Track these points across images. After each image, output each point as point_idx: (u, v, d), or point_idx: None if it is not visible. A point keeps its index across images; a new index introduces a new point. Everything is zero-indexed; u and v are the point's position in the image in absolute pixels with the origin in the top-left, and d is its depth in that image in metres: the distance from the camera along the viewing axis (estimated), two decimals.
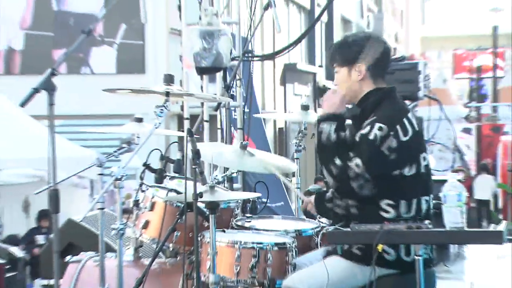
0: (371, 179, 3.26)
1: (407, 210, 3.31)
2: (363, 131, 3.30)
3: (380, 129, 3.27)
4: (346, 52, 3.44)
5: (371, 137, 3.27)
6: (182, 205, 3.66)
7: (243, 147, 4.00)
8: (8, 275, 7.12)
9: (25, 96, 3.17)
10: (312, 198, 3.68)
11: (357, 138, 3.31)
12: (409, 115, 3.39)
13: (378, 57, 3.45)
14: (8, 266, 7.30)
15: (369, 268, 3.15)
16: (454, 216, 3.14)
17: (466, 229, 3.18)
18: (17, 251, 8.55)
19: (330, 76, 24.75)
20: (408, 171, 3.31)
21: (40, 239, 9.29)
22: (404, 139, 3.30)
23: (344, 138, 3.36)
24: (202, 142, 4.79)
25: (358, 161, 3.27)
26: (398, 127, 3.30)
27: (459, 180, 3.33)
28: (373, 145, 3.26)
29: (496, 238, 3.11)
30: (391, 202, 3.30)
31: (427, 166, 3.40)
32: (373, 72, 3.42)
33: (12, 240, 9.26)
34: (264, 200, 4.35)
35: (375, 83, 3.43)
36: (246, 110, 5.57)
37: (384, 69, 3.47)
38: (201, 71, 4.92)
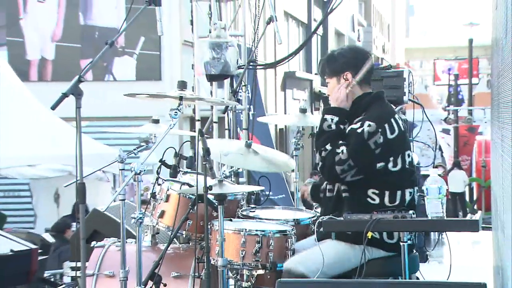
0: (354, 166, 3.27)
1: (391, 200, 3.31)
2: (353, 126, 3.33)
3: (369, 126, 3.30)
4: (333, 64, 3.48)
5: (359, 131, 3.30)
6: (194, 197, 3.65)
7: (248, 145, 3.99)
8: (40, 258, 7.10)
9: (56, 100, 3.17)
10: (309, 187, 3.69)
11: (346, 131, 3.34)
12: (396, 116, 3.39)
13: (362, 65, 3.46)
14: (40, 251, 7.28)
15: (360, 248, 3.15)
16: (435, 207, 3.13)
17: (446, 218, 3.17)
18: (48, 237, 8.53)
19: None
20: (392, 166, 3.31)
21: (74, 226, 9.22)
22: (390, 136, 3.31)
23: (342, 130, 3.37)
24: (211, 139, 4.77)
25: (344, 148, 3.29)
26: (386, 125, 3.32)
27: (439, 175, 3.33)
28: (360, 138, 3.29)
29: (472, 226, 3.10)
30: (376, 191, 3.31)
31: (411, 162, 3.40)
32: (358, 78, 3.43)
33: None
34: (267, 192, 4.33)
35: (362, 89, 3.45)
36: (253, 112, 5.55)
37: (368, 75, 3.48)
38: (210, 78, 4.91)
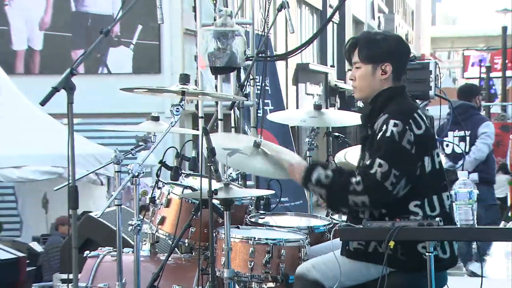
0: (401, 175, 3.15)
1: (431, 209, 3.24)
2: (380, 132, 3.23)
3: (395, 125, 3.21)
4: (374, 49, 3.33)
5: (388, 134, 3.20)
6: (198, 201, 3.66)
7: (257, 145, 3.98)
8: (28, 269, 7.14)
9: (46, 95, 3.18)
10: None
11: (377, 138, 3.23)
12: (419, 111, 3.35)
13: (404, 59, 3.42)
14: (28, 261, 7.32)
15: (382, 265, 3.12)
16: (465, 214, 3.10)
17: (476, 226, 3.15)
18: (36, 246, 8.57)
19: (341, 75, 24.67)
20: (426, 167, 3.27)
21: None
22: (418, 132, 3.24)
23: (334, 169, 3.32)
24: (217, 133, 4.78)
25: (379, 161, 3.18)
26: (411, 121, 3.25)
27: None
28: (393, 142, 3.19)
29: (506, 235, 3.09)
30: (418, 202, 3.23)
31: (440, 162, 3.37)
32: (396, 73, 3.37)
33: None
34: (279, 198, 4.33)
35: (394, 84, 3.38)
36: (271, 107, 5.55)
37: (404, 71, 3.45)
38: (215, 70, 4.92)
